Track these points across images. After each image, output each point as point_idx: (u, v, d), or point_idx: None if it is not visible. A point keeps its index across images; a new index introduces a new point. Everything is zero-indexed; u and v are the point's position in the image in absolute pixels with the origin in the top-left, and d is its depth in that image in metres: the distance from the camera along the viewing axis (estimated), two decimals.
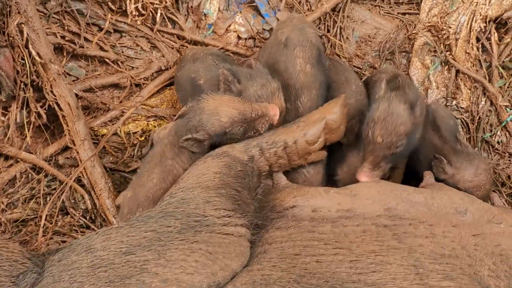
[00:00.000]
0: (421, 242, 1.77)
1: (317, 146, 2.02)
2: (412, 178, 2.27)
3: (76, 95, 2.44)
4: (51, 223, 2.38)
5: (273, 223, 1.82)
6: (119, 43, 2.63)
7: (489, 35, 2.61)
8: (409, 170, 2.31)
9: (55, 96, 2.34)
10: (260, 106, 1.95)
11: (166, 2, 2.54)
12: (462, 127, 2.58)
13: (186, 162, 1.98)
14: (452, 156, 2.17)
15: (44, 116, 2.39)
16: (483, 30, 2.58)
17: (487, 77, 2.62)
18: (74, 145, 2.40)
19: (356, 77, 2.41)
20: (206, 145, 1.96)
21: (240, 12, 2.67)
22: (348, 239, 1.75)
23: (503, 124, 2.53)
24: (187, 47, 2.63)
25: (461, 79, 2.62)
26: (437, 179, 2.17)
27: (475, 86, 2.61)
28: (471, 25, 2.56)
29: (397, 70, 2.42)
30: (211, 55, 2.32)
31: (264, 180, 2.08)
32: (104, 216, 2.39)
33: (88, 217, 2.45)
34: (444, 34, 2.59)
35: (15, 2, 2.16)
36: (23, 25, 2.21)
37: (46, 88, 2.33)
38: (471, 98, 2.61)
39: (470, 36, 2.57)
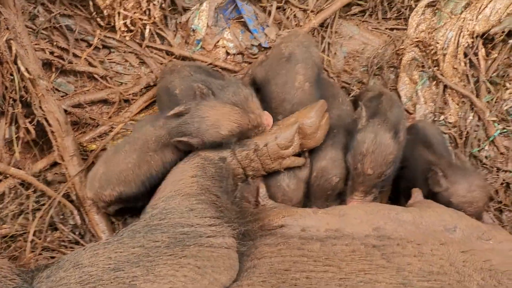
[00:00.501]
0: (409, 260, 1.78)
1: (291, 150, 2.04)
2: (407, 197, 2.27)
3: (65, 110, 2.46)
4: (40, 239, 2.38)
5: (262, 239, 1.83)
6: (108, 59, 2.65)
7: (477, 51, 2.64)
8: (405, 189, 2.32)
9: (44, 111, 2.35)
10: (256, 116, 1.99)
11: (154, 18, 2.56)
12: (450, 142, 2.60)
13: (167, 157, 2.04)
14: (448, 170, 2.18)
15: (33, 131, 2.40)
16: (471, 46, 2.61)
17: (474, 92, 2.65)
18: (63, 160, 2.41)
19: (342, 93, 2.43)
20: (195, 149, 2.00)
21: (229, 27, 2.70)
22: (338, 257, 1.77)
23: (491, 139, 2.55)
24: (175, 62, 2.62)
25: (449, 94, 2.64)
26: (432, 193, 2.19)
27: (463, 101, 2.63)
28: (458, 40, 2.58)
29: (383, 88, 2.44)
30: (188, 66, 2.36)
31: (240, 183, 2.11)
32: (93, 232, 2.39)
33: (77, 233, 2.45)
34: (432, 49, 2.62)
35: (4, 18, 2.18)
36: (11, 41, 2.23)
37: (35, 104, 2.33)
38: (459, 113, 2.63)
39: (457, 52, 2.60)
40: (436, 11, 2.66)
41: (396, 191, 2.38)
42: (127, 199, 2.13)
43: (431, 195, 2.20)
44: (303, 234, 1.84)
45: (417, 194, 2.32)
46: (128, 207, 2.24)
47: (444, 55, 2.60)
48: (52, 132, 2.38)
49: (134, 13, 2.53)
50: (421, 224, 1.92)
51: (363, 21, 2.78)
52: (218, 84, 2.13)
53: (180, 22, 2.68)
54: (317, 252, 1.78)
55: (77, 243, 2.44)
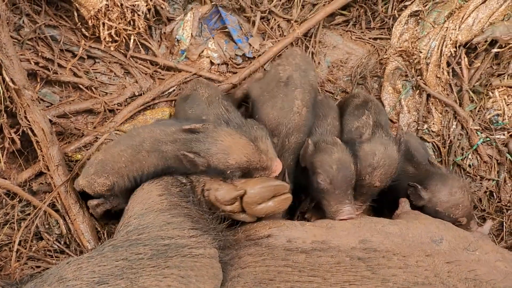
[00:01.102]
0: (394, 272, 1.82)
1: (228, 208, 2.03)
2: (392, 209, 2.30)
3: (50, 120, 2.48)
4: (26, 248, 2.39)
5: (246, 249, 1.87)
6: (92, 69, 2.68)
7: (460, 60, 2.67)
8: (391, 201, 2.34)
9: (29, 121, 2.38)
10: (267, 159, 2.00)
11: (139, 28, 2.58)
12: (434, 151, 2.62)
13: (159, 162, 2.06)
14: (427, 180, 2.21)
15: (18, 141, 2.41)
16: (454, 55, 2.65)
17: (457, 101, 2.68)
18: (48, 170, 2.43)
19: (333, 112, 2.44)
20: (197, 169, 2.01)
21: (213, 38, 2.72)
22: (323, 268, 1.80)
23: (474, 147, 2.58)
24: (160, 72, 2.64)
25: (432, 103, 2.67)
26: (416, 207, 2.20)
27: (446, 110, 2.66)
28: (441, 50, 2.61)
29: (367, 95, 2.46)
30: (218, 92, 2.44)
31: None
32: (78, 241, 2.41)
33: (62, 242, 2.46)
34: (415, 58, 2.64)
35: None
36: None
37: (20, 114, 2.35)
38: (442, 122, 2.66)
39: (440, 61, 2.62)
40: (419, 20, 2.69)
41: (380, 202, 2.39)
42: (119, 192, 2.16)
43: (418, 208, 2.21)
44: (288, 245, 1.87)
45: (404, 204, 2.36)
46: (114, 212, 2.27)
47: (427, 64, 2.63)
48: (37, 142, 2.40)
49: (119, 23, 2.56)
50: (408, 236, 1.95)
51: (346, 31, 2.81)
52: (238, 120, 2.18)
53: (164, 33, 2.71)
54: (302, 263, 1.81)
55: (62, 252, 2.47)
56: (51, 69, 2.58)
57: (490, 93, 2.67)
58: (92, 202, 2.28)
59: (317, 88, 2.40)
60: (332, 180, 2.04)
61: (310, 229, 1.94)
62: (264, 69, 2.65)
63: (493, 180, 2.58)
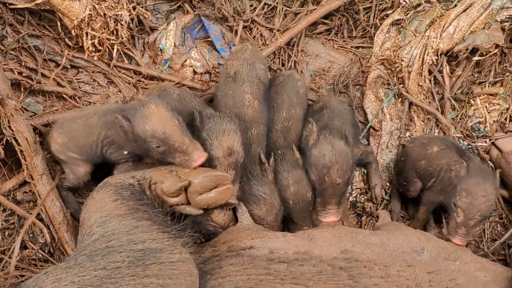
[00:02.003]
0: (376, 281, 1.90)
1: (173, 200, 2.06)
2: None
3: (34, 130, 2.49)
4: (10, 258, 2.38)
5: (227, 259, 1.91)
6: (76, 79, 2.72)
7: (441, 68, 2.71)
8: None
9: (13, 131, 2.41)
10: (190, 145, 2.02)
11: (122, 38, 2.62)
12: None
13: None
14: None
15: (2, 151, 2.45)
16: (435, 63, 2.70)
17: (439, 109, 2.72)
18: (33, 179, 2.47)
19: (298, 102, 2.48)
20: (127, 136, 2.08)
21: (196, 47, 2.77)
22: (305, 277, 1.86)
23: None
24: (143, 82, 2.67)
25: (414, 111, 2.71)
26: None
27: (428, 118, 2.70)
28: (423, 58, 2.65)
29: (328, 101, 2.53)
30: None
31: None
32: (62, 250, 2.45)
33: (47, 251, 2.49)
34: (397, 67, 2.68)
35: None
36: None
37: (3, 124, 2.38)
38: (425, 130, 2.71)
39: (422, 69, 2.66)
40: (401, 29, 2.73)
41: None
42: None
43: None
44: (270, 256, 1.91)
45: (384, 215, 2.39)
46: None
47: (409, 72, 2.66)
48: (21, 151, 2.44)
49: (102, 33, 2.60)
50: (389, 246, 2.00)
51: (329, 40, 2.86)
52: (210, 111, 2.26)
53: (147, 42, 2.75)
54: (284, 271, 1.87)
55: (46, 261, 2.50)
56: (35, 79, 2.61)
57: (472, 101, 2.71)
58: (58, 180, 2.41)
59: (266, 82, 2.45)
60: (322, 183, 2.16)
61: (292, 240, 1.97)
62: None
63: None
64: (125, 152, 2.22)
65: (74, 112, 2.44)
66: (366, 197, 2.69)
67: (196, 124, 2.15)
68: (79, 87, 2.72)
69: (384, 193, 2.68)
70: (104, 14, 2.57)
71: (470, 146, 2.67)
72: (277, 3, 2.80)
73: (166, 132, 1.97)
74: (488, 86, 2.75)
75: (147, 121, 1.98)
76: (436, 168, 2.39)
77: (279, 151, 2.30)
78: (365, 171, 2.71)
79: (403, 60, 2.69)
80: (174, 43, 2.75)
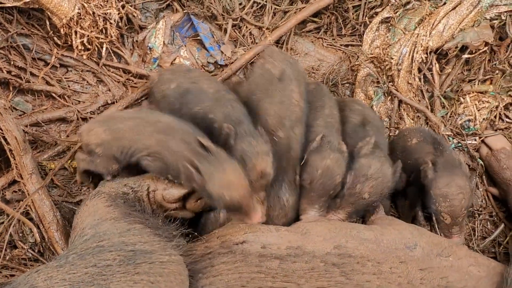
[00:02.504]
0: (368, 278, 1.89)
1: (173, 206, 2.08)
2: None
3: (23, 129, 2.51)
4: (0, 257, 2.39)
5: (220, 257, 1.91)
6: (65, 78, 2.73)
7: (431, 66, 2.73)
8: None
9: (1, 130, 2.43)
10: (253, 207, 1.99)
11: (111, 36, 2.63)
12: None
13: (156, 146, 2.06)
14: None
15: None
16: (425, 61, 2.72)
17: (429, 107, 2.74)
18: (22, 178, 2.48)
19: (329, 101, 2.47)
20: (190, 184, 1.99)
21: (185, 45, 2.78)
22: (297, 274, 1.85)
23: None
24: (132, 80, 2.68)
25: (404, 109, 2.71)
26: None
27: (418, 116, 2.72)
28: (412, 56, 2.66)
29: (361, 110, 2.53)
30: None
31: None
32: (52, 249, 2.45)
33: (36, 250, 2.50)
34: (387, 65, 2.69)
35: None
36: None
37: None
38: None
39: (412, 67, 2.67)
40: (390, 27, 2.74)
41: None
42: (106, 156, 2.17)
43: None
44: (263, 252, 1.91)
45: (379, 209, 2.40)
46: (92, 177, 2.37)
47: (399, 70, 2.67)
48: (11, 150, 2.45)
49: (91, 31, 2.61)
50: (382, 242, 2.00)
51: (318, 38, 2.86)
52: (247, 127, 2.17)
53: (137, 41, 2.76)
54: (276, 269, 1.87)
55: (36, 260, 2.51)
56: (24, 78, 2.63)
57: (461, 99, 2.72)
58: (79, 156, 2.30)
59: (307, 80, 2.44)
60: (312, 183, 2.13)
61: (285, 234, 1.98)
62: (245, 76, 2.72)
63: None
64: (170, 177, 2.10)
65: (123, 112, 2.37)
66: None
67: (228, 140, 2.08)
68: (68, 86, 2.73)
69: None
70: (93, 13, 2.58)
71: (460, 144, 2.68)
72: (266, 1, 2.81)
73: (241, 202, 1.94)
74: (478, 84, 2.77)
75: (227, 191, 1.92)
76: (414, 163, 2.42)
77: None
78: None
79: (392, 58, 2.70)
80: (163, 41, 2.76)
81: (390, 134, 2.73)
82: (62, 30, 2.58)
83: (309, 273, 1.85)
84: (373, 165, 2.17)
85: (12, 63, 2.63)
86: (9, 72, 2.62)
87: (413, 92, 2.74)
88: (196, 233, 2.15)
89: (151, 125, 2.09)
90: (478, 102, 2.74)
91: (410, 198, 2.56)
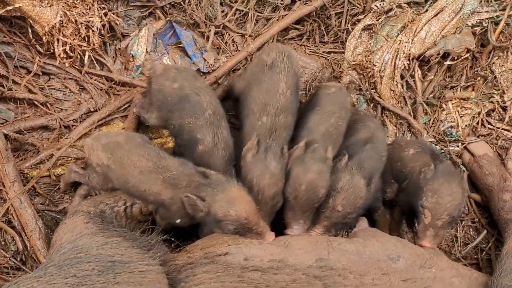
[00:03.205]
0: None
1: (149, 218, 2.17)
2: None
3: (6, 137, 2.54)
4: None
5: (201, 267, 1.93)
6: (47, 85, 2.75)
7: (413, 73, 2.74)
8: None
9: None
10: (264, 227, 2.02)
11: (94, 44, 2.64)
12: None
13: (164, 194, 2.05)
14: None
15: None
16: (407, 68, 2.73)
17: (411, 113, 2.76)
18: (4, 186, 2.51)
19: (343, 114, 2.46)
20: (196, 215, 2.01)
21: (168, 53, 2.80)
22: (279, 285, 1.88)
23: None
24: (115, 88, 2.68)
25: (386, 116, 2.73)
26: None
27: (401, 123, 2.73)
28: (395, 63, 2.67)
29: (371, 128, 2.49)
30: None
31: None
32: (35, 257, 2.47)
33: (19, 259, 2.51)
34: (369, 72, 2.70)
35: None
36: None
37: None
38: (397, 135, 2.74)
39: (394, 74, 2.69)
40: (373, 34, 2.76)
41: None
42: (101, 182, 2.24)
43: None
44: (245, 263, 1.93)
45: (361, 221, 2.43)
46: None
47: (381, 77, 2.69)
48: None
49: (73, 39, 2.62)
50: (364, 254, 2.02)
51: (300, 45, 2.89)
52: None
53: (119, 48, 2.78)
54: (258, 279, 1.89)
55: (19, 269, 2.52)
56: (6, 86, 2.65)
57: (444, 105, 2.74)
58: (73, 168, 2.38)
59: (299, 76, 2.50)
60: (296, 198, 2.13)
61: (267, 247, 1.99)
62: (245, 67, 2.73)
63: None
64: (178, 221, 2.12)
65: (120, 135, 2.21)
66: None
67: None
68: (51, 94, 2.75)
69: None
70: (75, 21, 2.60)
71: (442, 151, 2.70)
72: (248, 8, 2.83)
73: (248, 217, 1.96)
74: (460, 91, 2.79)
75: (231, 206, 1.94)
76: (410, 170, 2.44)
77: None
78: None
79: (375, 65, 2.72)
80: (146, 49, 2.78)
81: None
82: (44, 38, 2.60)
83: (291, 284, 1.88)
84: (342, 178, 2.18)
85: None
86: None
87: (396, 99, 2.75)
88: (178, 242, 2.20)
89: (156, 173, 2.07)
90: (460, 108, 2.75)
91: (400, 205, 2.59)
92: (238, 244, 1.98)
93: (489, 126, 2.77)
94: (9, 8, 2.46)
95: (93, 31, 2.67)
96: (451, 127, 2.75)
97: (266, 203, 2.11)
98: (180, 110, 2.27)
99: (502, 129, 2.74)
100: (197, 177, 2.04)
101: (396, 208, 2.62)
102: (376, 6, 2.76)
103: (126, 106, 2.75)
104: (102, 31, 2.72)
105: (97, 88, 2.77)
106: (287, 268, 1.91)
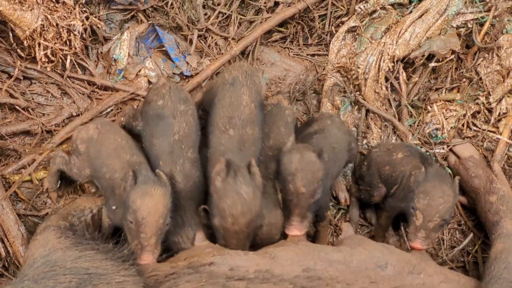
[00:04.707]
0: None
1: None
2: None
3: None
4: None
5: (184, 277, 1.91)
6: (29, 90, 2.76)
7: (398, 75, 2.77)
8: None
9: None
10: (151, 246, 1.98)
11: (75, 48, 2.66)
12: None
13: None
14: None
15: None
16: (392, 70, 2.76)
17: (396, 116, 2.78)
18: None
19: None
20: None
21: (150, 57, 2.83)
22: None
23: None
24: (97, 92, 2.69)
25: (371, 119, 2.75)
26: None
27: (385, 125, 2.76)
28: (379, 65, 2.69)
29: (324, 127, 2.50)
30: None
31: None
32: (17, 264, 2.49)
33: (1, 265, 2.49)
34: (353, 74, 2.71)
35: None
36: None
37: None
38: (382, 137, 2.78)
39: (379, 76, 2.71)
40: (357, 36, 2.78)
41: None
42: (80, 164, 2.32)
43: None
44: (230, 274, 1.92)
45: (347, 228, 2.44)
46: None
47: (366, 79, 2.71)
48: None
49: (55, 43, 2.64)
50: (352, 263, 2.01)
51: (284, 48, 2.92)
52: None
53: (101, 52, 2.82)
54: None
55: (1, 275, 2.52)
56: None
57: (429, 107, 2.76)
58: (59, 153, 2.43)
59: (263, 95, 2.46)
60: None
61: (253, 258, 1.99)
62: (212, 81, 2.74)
63: None
64: (113, 207, 2.18)
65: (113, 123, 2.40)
66: None
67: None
68: (32, 99, 2.76)
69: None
70: (57, 24, 2.61)
71: (428, 153, 2.68)
72: (231, 11, 2.86)
73: (144, 220, 1.94)
74: (445, 93, 2.80)
75: (142, 197, 1.95)
76: (399, 175, 2.45)
77: None
78: None
79: (359, 67, 2.73)
80: (128, 53, 2.81)
81: (358, 143, 2.71)
82: (25, 42, 2.61)
83: None
84: (293, 158, 2.17)
85: None
86: None
87: (380, 101, 2.76)
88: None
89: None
90: (446, 110, 2.76)
91: (388, 210, 2.57)
92: (223, 254, 1.98)
93: (475, 128, 2.79)
94: None
95: (74, 35, 2.68)
96: (436, 129, 2.75)
97: (241, 231, 2.06)
98: (152, 128, 2.31)
99: (488, 130, 2.75)
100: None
101: (383, 213, 2.62)
102: (360, 8, 2.78)
103: (109, 110, 2.75)
104: (84, 35, 2.73)
105: (79, 93, 2.79)
106: (273, 278, 1.90)
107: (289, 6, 2.85)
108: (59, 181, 2.53)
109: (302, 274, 1.92)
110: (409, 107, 2.79)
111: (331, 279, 1.91)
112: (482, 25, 2.75)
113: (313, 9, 2.84)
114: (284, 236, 2.25)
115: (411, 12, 2.74)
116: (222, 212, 2.02)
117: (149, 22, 2.83)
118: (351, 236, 2.36)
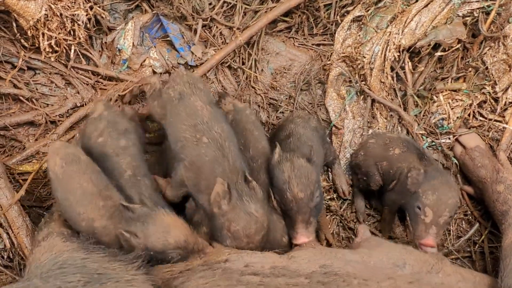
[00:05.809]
0: None
1: None
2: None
3: None
4: None
5: (199, 273, 1.93)
6: (33, 81, 2.78)
7: (403, 64, 2.77)
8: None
9: None
10: (203, 243, 2.04)
11: (79, 38, 2.67)
12: None
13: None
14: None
15: None
16: (397, 59, 2.77)
17: (402, 105, 2.81)
18: None
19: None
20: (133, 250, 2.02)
21: (155, 47, 2.83)
22: None
23: None
24: (102, 83, 2.68)
25: (377, 108, 2.75)
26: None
27: (391, 115, 2.75)
28: (385, 54, 2.70)
29: (295, 127, 2.52)
30: None
31: None
32: (22, 255, 2.50)
33: (6, 257, 2.51)
34: (359, 64, 2.72)
35: None
36: None
37: None
38: (387, 127, 2.77)
39: (384, 66, 2.72)
40: (362, 26, 2.79)
41: None
42: None
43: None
44: (245, 269, 1.93)
45: (363, 231, 2.44)
46: None
47: (371, 69, 2.71)
48: None
49: (59, 33, 2.66)
50: (370, 263, 2.03)
51: (289, 38, 2.94)
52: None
53: (105, 42, 2.83)
54: (257, 282, 1.87)
55: (6, 267, 2.55)
56: None
57: (435, 97, 2.76)
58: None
59: (212, 99, 2.38)
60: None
61: (270, 255, 2.00)
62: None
63: None
64: None
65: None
66: (329, 196, 2.68)
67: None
68: (36, 89, 2.78)
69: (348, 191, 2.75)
70: (61, 14, 2.62)
71: (433, 143, 2.70)
72: (236, 1, 2.89)
73: (187, 239, 1.95)
74: (451, 82, 2.80)
75: (167, 235, 1.92)
76: (396, 171, 2.47)
77: None
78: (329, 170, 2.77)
79: (364, 57, 2.73)
80: (133, 43, 2.82)
81: (363, 133, 2.73)
82: (29, 32, 2.63)
83: (292, 287, 1.87)
84: (284, 168, 2.20)
85: None
86: None
87: (386, 91, 2.76)
88: None
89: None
90: (452, 100, 2.76)
91: (389, 204, 2.58)
92: (240, 253, 1.99)
93: (481, 118, 2.80)
94: None
95: (78, 25, 2.70)
96: (442, 119, 2.75)
97: (256, 247, 2.07)
98: (176, 114, 2.28)
99: (494, 120, 2.76)
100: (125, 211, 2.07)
101: (385, 209, 2.65)
102: None
103: (114, 100, 2.73)
104: (88, 25, 2.74)
105: (83, 83, 2.81)
106: (289, 273, 1.91)
107: None
108: None
109: (319, 270, 1.92)
110: (415, 97, 2.79)
111: (348, 275, 1.91)
112: (488, 14, 2.74)
113: None
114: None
115: (417, 1, 2.73)
116: (235, 234, 2.01)
117: (154, 12, 2.84)
118: (368, 238, 2.33)
